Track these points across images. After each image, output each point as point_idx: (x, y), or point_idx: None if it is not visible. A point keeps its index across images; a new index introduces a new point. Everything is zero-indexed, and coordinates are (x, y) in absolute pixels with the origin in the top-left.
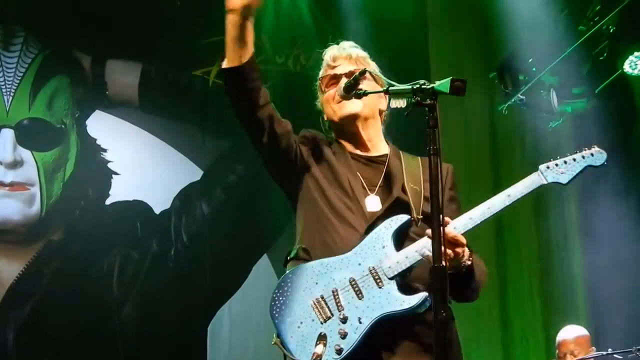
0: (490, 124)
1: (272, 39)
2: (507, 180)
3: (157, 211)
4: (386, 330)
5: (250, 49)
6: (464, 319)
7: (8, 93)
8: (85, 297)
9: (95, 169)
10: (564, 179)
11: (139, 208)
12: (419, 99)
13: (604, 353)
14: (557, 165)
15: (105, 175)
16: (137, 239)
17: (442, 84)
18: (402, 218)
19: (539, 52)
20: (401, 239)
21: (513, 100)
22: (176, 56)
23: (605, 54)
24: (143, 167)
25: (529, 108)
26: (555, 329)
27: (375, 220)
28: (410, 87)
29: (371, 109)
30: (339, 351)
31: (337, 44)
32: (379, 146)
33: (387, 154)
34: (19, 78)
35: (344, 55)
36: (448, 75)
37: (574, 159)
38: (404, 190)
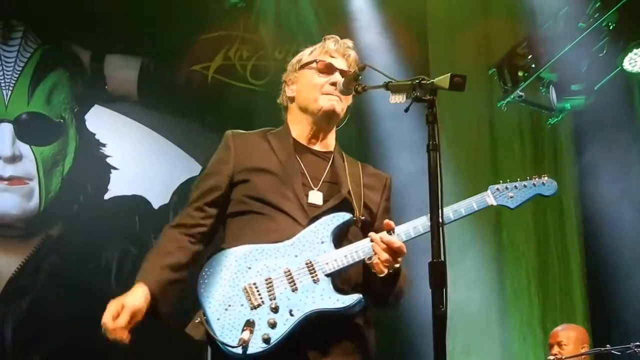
0: (490, 121)
1: (271, 34)
2: (506, 176)
3: (156, 206)
4: (314, 328)
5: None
6: (463, 317)
7: (7, 87)
8: (83, 293)
9: (94, 163)
10: (511, 204)
11: (137, 203)
12: (418, 94)
13: (602, 349)
14: (507, 188)
15: (104, 169)
16: (135, 233)
17: (442, 80)
18: (345, 216)
19: (539, 48)
20: (340, 237)
21: (512, 96)
22: (175, 51)
23: (604, 51)
24: (142, 161)
25: (528, 105)
26: (553, 327)
27: (317, 215)
28: (409, 82)
29: (346, 109)
30: (266, 340)
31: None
32: (328, 143)
33: (332, 152)
34: (18, 72)
35: (342, 52)
36: (447, 71)
37: (525, 185)
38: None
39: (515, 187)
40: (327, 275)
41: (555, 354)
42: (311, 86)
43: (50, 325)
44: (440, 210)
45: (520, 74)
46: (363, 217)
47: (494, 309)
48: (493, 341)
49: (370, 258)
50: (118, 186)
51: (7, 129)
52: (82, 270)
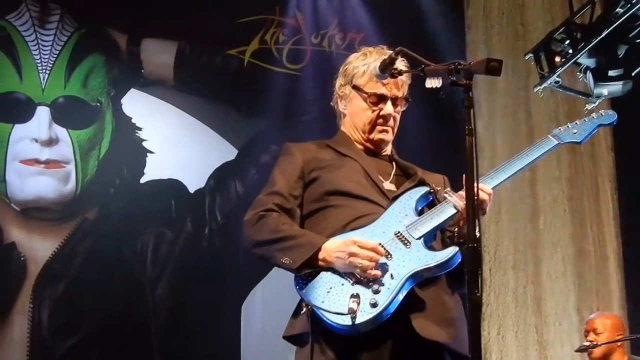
0: (526, 106)
1: (307, 19)
2: (542, 162)
3: (192, 190)
4: (418, 300)
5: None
6: (499, 302)
7: (44, 71)
8: (119, 276)
9: (130, 147)
10: (577, 138)
11: (173, 187)
12: (454, 79)
13: (638, 336)
14: (568, 127)
15: (140, 153)
16: (171, 217)
17: (478, 64)
18: (422, 189)
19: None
20: (421, 212)
21: (549, 82)
22: (211, 35)
23: None
24: (178, 145)
25: (564, 90)
26: (589, 314)
27: (396, 196)
28: (446, 66)
29: (396, 128)
30: (373, 305)
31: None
32: (386, 149)
33: (389, 155)
34: (55, 56)
35: (394, 79)
36: (484, 56)
37: (585, 120)
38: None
39: (576, 124)
40: (418, 239)
41: (591, 341)
42: (363, 117)
43: (86, 309)
44: (476, 195)
45: (557, 59)
46: (439, 188)
47: (529, 295)
48: (528, 326)
49: (456, 213)
50: (154, 170)
51: (44, 112)
52: (117, 254)
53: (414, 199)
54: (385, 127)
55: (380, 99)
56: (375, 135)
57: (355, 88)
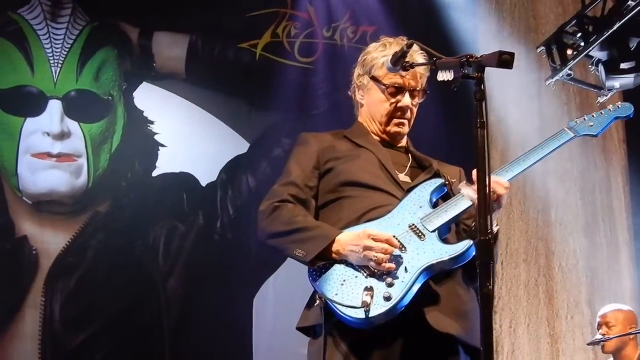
0: (538, 99)
1: (319, 12)
2: (554, 155)
3: (204, 183)
4: (432, 294)
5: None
6: (510, 295)
7: (56, 64)
8: (131, 270)
9: (142, 140)
10: (593, 131)
11: (185, 180)
12: (466, 71)
13: None
14: (585, 119)
15: (151, 147)
16: (183, 211)
17: (490, 57)
18: (437, 181)
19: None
20: (436, 204)
21: (561, 75)
22: (223, 28)
23: None
24: (189, 139)
25: (576, 83)
26: (601, 306)
27: (411, 188)
28: (457, 59)
29: (412, 120)
30: (387, 298)
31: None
32: (402, 140)
33: (405, 146)
34: (67, 50)
35: (412, 71)
36: (495, 49)
37: (601, 113)
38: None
39: (592, 116)
40: (432, 231)
41: (603, 334)
42: (380, 108)
43: (98, 302)
44: (488, 188)
45: (569, 52)
46: (454, 180)
47: (541, 288)
48: (540, 319)
49: (471, 205)
50: (166, 163)
51: (56, 105)
52: (129, 247)
53: (428, 190)
54: (402, 120)
55: (398, 90)
56: (392, 128)
57: (374, 79)
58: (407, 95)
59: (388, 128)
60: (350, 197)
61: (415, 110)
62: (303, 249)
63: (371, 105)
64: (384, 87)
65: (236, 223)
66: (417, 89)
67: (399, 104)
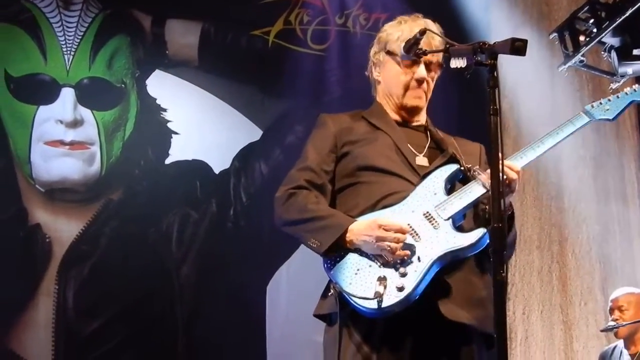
0: (550, 86)
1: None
2: (567, 141)
3: (217, 171)
4: (443, 280)
5: None
6: (524, 282)
7: (69, 52)
8: (144, 257)
9: (154, 128)
10: (609, 115)
11: (198, 168)
12: (479, 58)
13: None
14: (601, 104)
15: (164, 134)
16: (196, 198)
17: (502, 44)
18: (452, 167)
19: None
20: (451, 190)
21: (573, 61)
22: (236, 16)
23: None
24: (202, 126)
25: (589, 69)
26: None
27: (427, 173)
28: (470, 46)
29: (429, 94)
30: (400, 288)
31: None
32: (420, 118)
33: (424, 125)
34: (80, 37)
35: (427, 42)
36: (508, 35)
37: (618, 97)
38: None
39: (609, 100)
40: (446, 220)
41: (616, 319)
42: (396, 81)
43: (111, 290)
44: (501, 174)
45: (581, 38)
46: (470, 166)
47: (554, 275)
48: (554, 306)
49: (486, 192)
50: (179, 151)
51: (69, 93)
52: (142, 235)
53: (443, 176)
54: (418, 91)
55: (414, 62)
56: (409, 101)
57: (389, 53)
58: (422, 66)
59: (405, 101)
60: (366, 182)
61: (432, 84)
62: (317, 238)
63: (388, 80)
64: (399, 59)
65: (249, 211)
66: (433, 61)
67: (415, 76)
